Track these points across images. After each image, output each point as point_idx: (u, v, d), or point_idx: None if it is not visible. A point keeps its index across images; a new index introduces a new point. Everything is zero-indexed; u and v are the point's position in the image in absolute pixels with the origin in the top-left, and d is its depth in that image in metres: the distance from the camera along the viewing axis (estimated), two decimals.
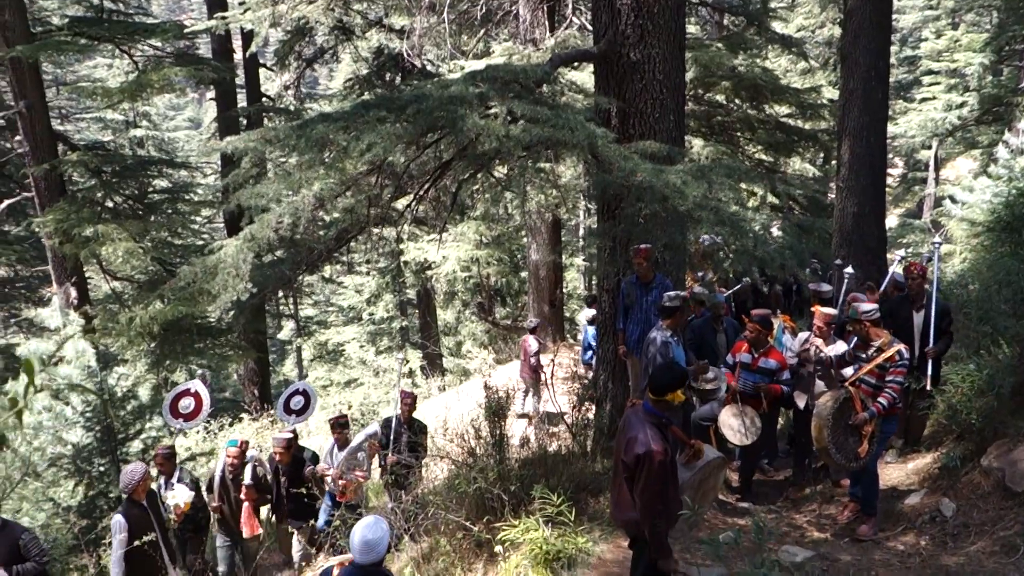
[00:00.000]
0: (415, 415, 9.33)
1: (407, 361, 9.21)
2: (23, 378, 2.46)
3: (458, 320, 26.93)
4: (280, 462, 8.62)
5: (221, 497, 8.54)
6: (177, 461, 8.45)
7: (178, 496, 7.44)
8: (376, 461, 9.10)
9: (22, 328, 21.92)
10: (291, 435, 8.90)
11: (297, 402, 9.46)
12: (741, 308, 10.50)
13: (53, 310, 14.67)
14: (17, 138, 17.01)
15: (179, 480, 8.07)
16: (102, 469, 10.20)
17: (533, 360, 12.13)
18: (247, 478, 8.36)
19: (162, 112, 38.93)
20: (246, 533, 8.46)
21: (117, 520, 7.06)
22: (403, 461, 8.55)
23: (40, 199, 15.65)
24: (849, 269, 9.19)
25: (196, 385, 9.31)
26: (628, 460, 4.96)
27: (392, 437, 8.90)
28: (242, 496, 8.40)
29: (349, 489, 8.63)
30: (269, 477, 8.72)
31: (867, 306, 6.88)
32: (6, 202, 16.53)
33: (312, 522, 8.96)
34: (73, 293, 15.73)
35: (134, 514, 7.05)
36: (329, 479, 8.74)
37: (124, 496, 7.26)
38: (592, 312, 11.63)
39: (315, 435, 15.68)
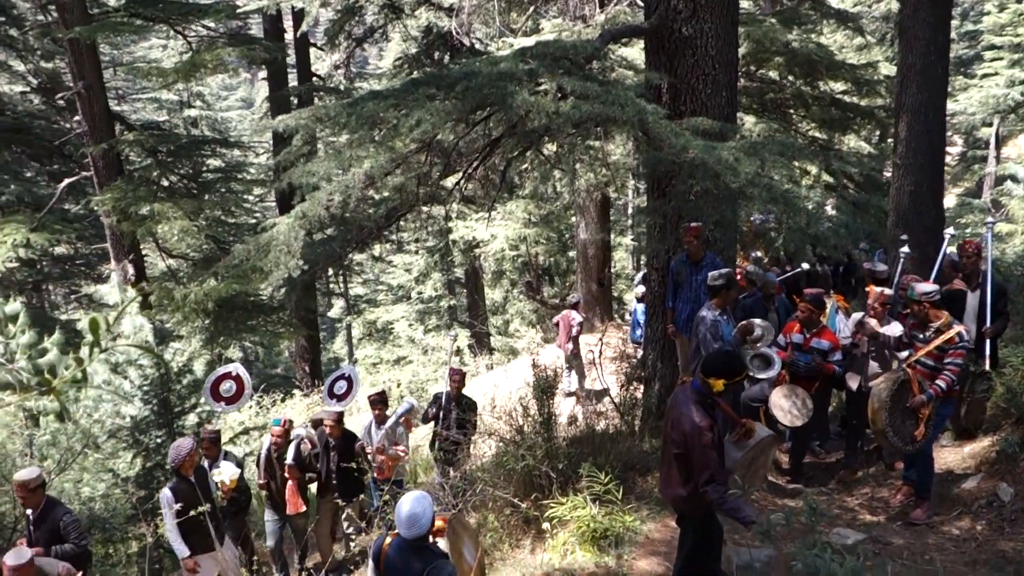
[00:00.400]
0: (464, 392, 9.38)
1: (457, 338, 9.24)
2: (88, 338, 2.51)
3: (506, 299, 26.96)
4: (330, 436, 8.65)
5: (267, 474, 8.64)
6: (222, 444, 8.54)
7: (224, 473, 7.52)
8: (415, 434, 9.15)
9: (82, 304, 22.41)
10: (341, 409, 8.96)
11: (340, 387, 9.53)
12: (793, 288, 10.35)
13: (112, 286, 14.99)
14: (76, 118, 17.33)
15: (224, 458, 8.18)
16: (159, 441, 10.40)
17: (575, 331, 12.10)
18: (289, 457, 8.41)
19: (215, 92, 39.41)
20: (289, 510, 8.54)
21: (164, 494, 7.19)
22: (451, 438, 8.60)
23: (98, 178, 15.96)
24: (905, 249, 9.00)
25: (237, 368, 9.35)
26: (676, 437, 4.97)
27: (441, 414, 8.94)
28: (286, 474, 8.47)
29: (387, 465, 8.71)
30: (314, 454, 8.75)
31: (926, 287, 6.74)
32: (66, 181, 16.85)
33: (362, 497, 9.05)
34: (131, 270, 16.04)
35: (182, 489, 7.14)
36: (372, 459, 8.82)
37: (172, 470, 7.38)
38: (642, 289, 11.55)
39: (365, 411, 15.84)
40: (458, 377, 9.28)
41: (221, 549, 7.43)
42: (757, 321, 7.75)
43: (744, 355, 7.19)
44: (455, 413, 8.98)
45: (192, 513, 6.94)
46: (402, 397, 13.35)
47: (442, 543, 5.12)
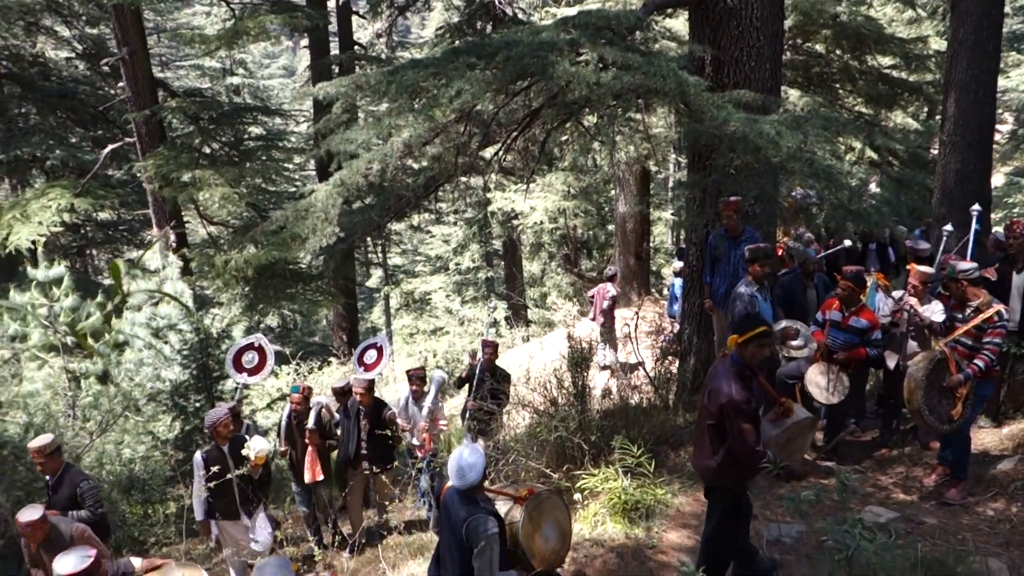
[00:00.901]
0: (497, 364, 9.39)
1: (496, 309, 9.26)
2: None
3: (543, 272, 26.95)
4: (361, 404, 8.61)
5: (288, 442, 8.64)
6: (242, 418, 8.49)
7: (253, 447, 7.43)
8: (448, 404, 9.13)
9: (139, 271, 22.80)
10: (372, 377, 8.93)
11: (370, 356, 9.51)
12: (833, 265, 10.23)
13: (153, 252, 15.23)
14: (120, 84, 17.54)
15: (248, 432, 8.08)
16: (198, 405, 10.59)
17: (607, 305, 12.07)
18: (311, 422, 8.38)
19: (257, 60, 39.62)
20: (307, 478, 8.46)
21: (196, 459, 7.34)
22: (485, 408, 8.63)
23: (141, 144, 16.17)
24: (948, 227, 8.86)
25: (260, 339, 9.34)
26: (712, 408, 4.97)
27: (475, 384, 8.95)
28: (306, 441, 8.43)
29: (428, 441, 8.69)
30: (334, 423, 8.74)
31: (965, 265, 6.63)
32: (110, 147, 17.09)
33: (395, 464, 9.08)
34: (172, 236, 16.27)
35: (214, 455, 7.24)
36: (409, 435, 8.80)
37: (207, 435, 7.49)
38: (680, 264, 11.48)
39: (401, 380, 15.98)
40: (491, 348, 9.22)
41: (247, 519, 7.50)
42: (803, 330, 7.71)
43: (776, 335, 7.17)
44: (488, 383, 8.93)
45: (213, 484, 7.09)
46: (436, 367, 13.45)
47: (518, 513, 5.12)
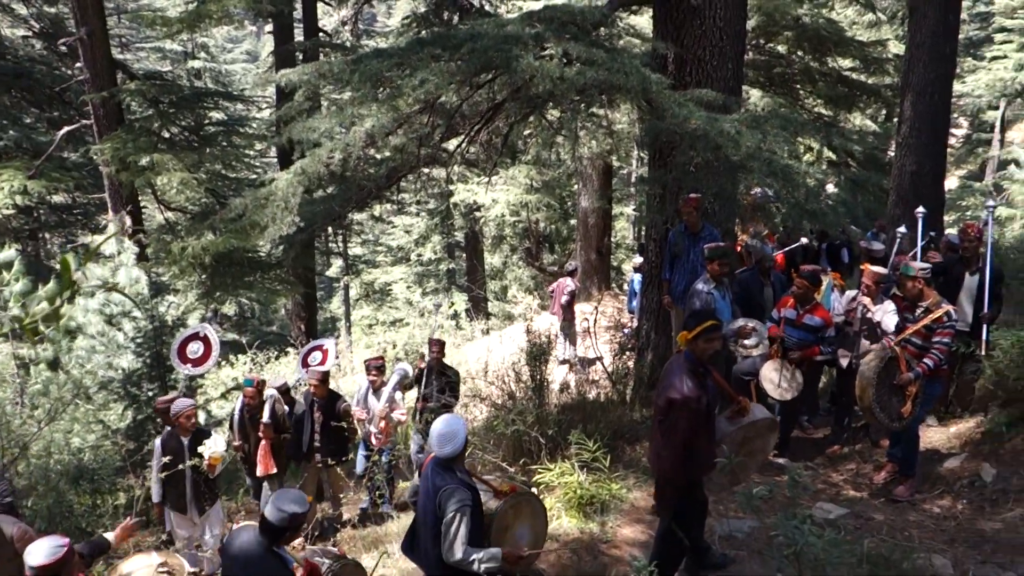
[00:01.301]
0: (451, 362, 9.31)
1: (452, 304, 9.12)
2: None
3: (505, 264, 26.98)
4: (315, 395, 8.47)
5: (241, 435, 8.52)
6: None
7: (210, 447, 7.20)
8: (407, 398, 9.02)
9: (78, 253, 22.41)
10: (327, 369, 8.82)
11: (315, 358, 9.35)
12: (790, 263, 10.36)
13: (109, 237, 14.99)
14: (78, 65, 17.22)
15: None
16: (151, 394, 10.46)
17: (566, 300, 12.12)
18: (265, 416, 8.21)
19: (220, 44, 39.06)
20: (259, 471, 8.32)
21: (155, 445, 7.32)
22: (432, 407, 8.54)
23: (98, 127, 15.89)
24: (902, 229, 9.01)
25: (206, 329, 9.19)
26: (661, 404, 5.01)
27: (424, 384, 8.80)
28: (260, 434, 8.27)
29: (386, 432, 8.56)
30: (286, 415, 8.59)
31: (918, 264, 6.75)
32: (65, 129, 16.78)
33: (351, 456, 8.92)
34: (128, 221, 16.01)
35: (171, 445, 7.18)
36: (366, 425, 8.65)
37: (170, 422, 7.38)
38: (640, 259, 11.55)
39: (360, 372, 15.93)
40: (438, 347, 9.04)
41: (196, 516, 7.41)
42: (758, 328, 7.79)
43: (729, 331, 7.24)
44: (436, 383, 8.81)
45: (164, 475, 7.02)
46: (397, 360, 13.41)
47: (493, 503, 5.05)
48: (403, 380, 8.63)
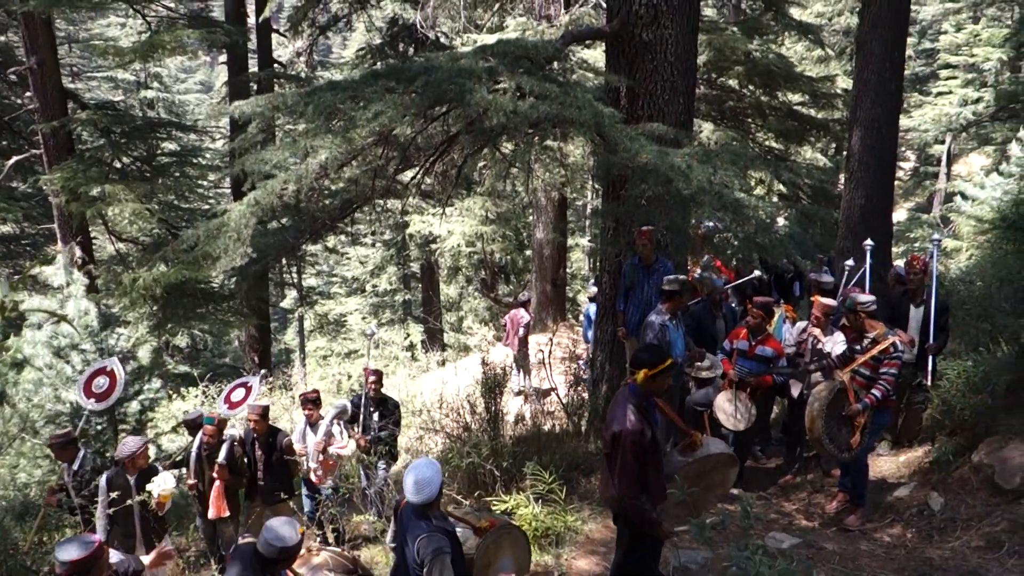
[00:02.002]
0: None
1: (375, 335, 8.98)
2: None
3: (461, 295, 26.97)
4: (255, 431, 8.17)
5: (197, 475, 8.08)
6: (78, 445, 7.73)
7: (159, 484, 7.01)
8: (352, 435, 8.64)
9: (26, 285, 22.01)
10: (266, 403, 8.51)
11: (238, 394, 8.96)
12: (742, 295, 10.48)
13: (57, 268, 14.72)
14: (27, 94, 17.00)
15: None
16: (99, 428, 10.26)
17: (522, 332, 12.11)
18: (221, 456, 7.80)
19: (173, 74, 38.79)
20: (211, 514, 7.91)
21: (101, 483, 7.11)
22: (373, 438, 8.38)
23: (48, 157, 15.66)
24: (850, 261, 9.18)
25: (112, 363, 8.79)
26: (607, 437, 5.02)
27: (362, 416, 8.58)
28: (214, 475, 7.87)
29: (326, 469, 8.32)
30: (247, 456, 8.31)
31: (864, 297, 6.87)
32: (14, 158, 16.52)
33: (293, 495, 8.51)
34: (78, 252, 15.76)
35: (118, 483, 7.02)
36: (305, 462, 8.35)
37: (117, 460, 7.21)
38: (595, 289, 11.59)
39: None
40: (374, 377, 8.80)
41: (142, 553, 7.18)
42: (710, 356, 7.88)
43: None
44: (376, 416, 8.61)
45: (112, 511, 6.89)
46: (351, 390, 13.29)
47: (472, 540, 4.98)
48: (340, 414, 8.40)
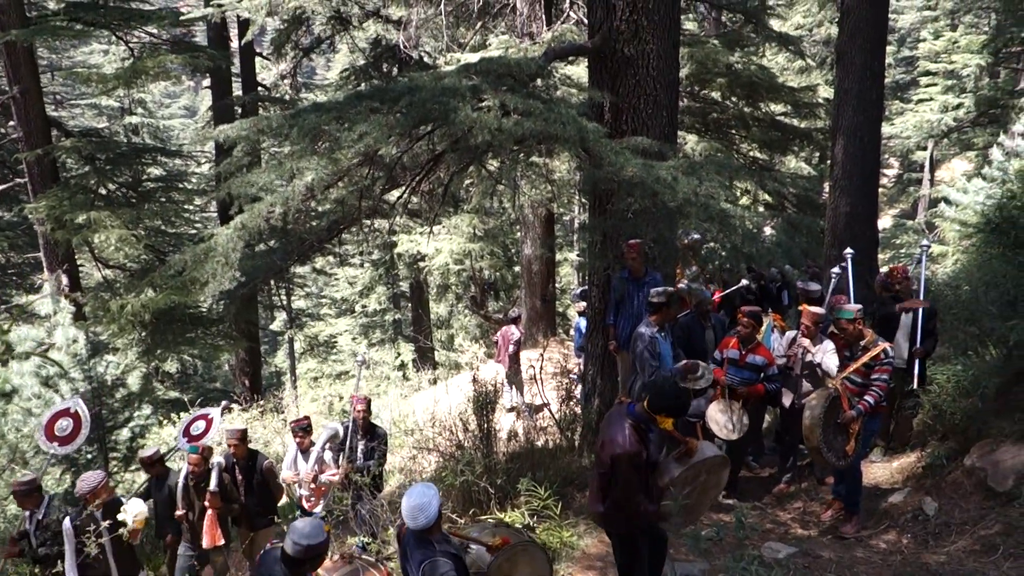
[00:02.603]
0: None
1: (364, 362, 8.86)
2: None
3: (451, 313, 26.94)
4: (235, 456, 8.09)
5: (185, 504, 7.95)
6: (43, 491, 7.41)
7: (131, 511, 6.87)
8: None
9: (12, 315, 21.89)
10: (244, 426, 8.47)
11: (198, 427, 8.81)
12: (729, 306, 10.50)
13: (44, 297, 14.65)
14: (11, 123, 16.95)
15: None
16: (90, 457, 10.19)
17: (513, 348, 12.10)
18: (212, 484, 7.71)
19: (158, 100, 38.77)
20: (206, 543, 7.79)
21: (66, 526, 6.90)
22: (358, 468, 8.27)
23: (33, 185, 15.61)
24: (836, 269, 9.22)
25: (76, 404, 8.53)
26: (604, 458, 5.02)
27: (348, 446, 8.46)
28: (206, 504, 7.75)
29: (318, 496, 8.29)
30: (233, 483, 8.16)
31: (855, 307, 6.90)
32: None
33: (279, 519, 8.57)
34: (64, 280, 15.70)
35: (86, 522, 6.84)
36: (297, 488, 8.33)
37: (79, 499, 7.02)
38: (584, 304, 11.57)
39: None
40: (363, 404, 8.69)
41: None
42: (703, 366, 7.88)
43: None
44: (362, 444, 8.50)
45: (83, 554, 6.71)
46: (342, 411, 13.22)
47: (487, 557, 4.91)
48: (332, 438, 8.34)
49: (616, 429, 5.00)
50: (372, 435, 8.58)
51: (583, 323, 11.46)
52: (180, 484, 8.02)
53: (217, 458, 8.04)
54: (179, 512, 7.93)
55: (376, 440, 8.55)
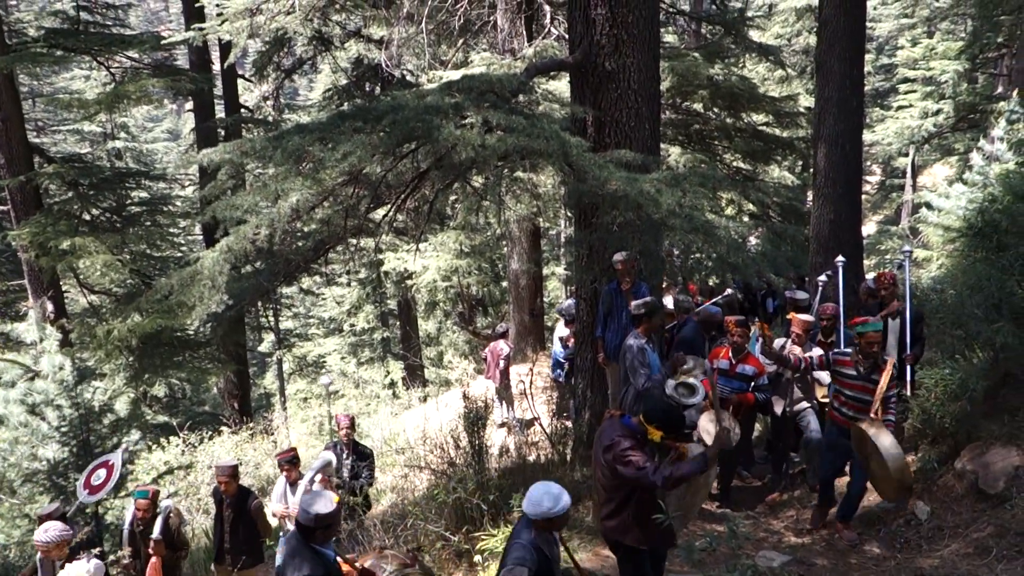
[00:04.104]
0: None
1: (332, 383, 8.72)
2: None
3: (439, 330, 26.89)
4: (225, 492, 7.82)
5: (132, 552, 7.61)
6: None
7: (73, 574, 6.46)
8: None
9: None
10: (236, 462, 8.15)
11: (98, 476, 8.38)
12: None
13: (29, 324, 14.55)
14: None
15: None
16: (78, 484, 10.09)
17: (503, 364, 12.08)
18: (156, 531, 7.28)
19: (140, 124, 38.71)
20: None
21: None
22: (347, 487, 8.23)
23: (16, 212, 15.56)
24: (823, 277, 9.27)
25: (115, 458, 8.48)
26: (606, 470, 5.04)
27: (335, 465, 8.35)
28: (150, 551, 7.29)
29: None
30: (182, 527, 7.81)
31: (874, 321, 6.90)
32: None
33: (263, 559, 8.29)
34: (50, 307, 15.62)
35: None
36: (287, 523, 8.01)
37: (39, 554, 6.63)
38: (566, 332, 11.55)
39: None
40: (348, 422, 8.65)
41: None
42: (693, 358, 7.90)
43: (669, 385, 7.27)
44: (349, 462, 8.43)
45: None
46: (332, 430, 13.16)
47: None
48: (325, 468, 8.08)
49: (609, 439, 5.05)
50: (358, 453, 8.52)
51: (559, 349, 11.39)
52: (126, 530, 7.72)
53: (166, 502, 7.68)
54: (124, 561, 7.59)
55: (365, 459, 8.51)
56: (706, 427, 7.58)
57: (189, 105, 23.71)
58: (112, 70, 17.54)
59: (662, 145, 10.58)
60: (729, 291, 10.38)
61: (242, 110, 21.87)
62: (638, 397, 7.26)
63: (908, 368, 7.74)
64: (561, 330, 11.51)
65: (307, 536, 4.62)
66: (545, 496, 4.53)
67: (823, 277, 9.22)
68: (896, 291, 8.42)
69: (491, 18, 15.16)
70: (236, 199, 6.98)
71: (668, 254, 10.08)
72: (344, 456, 8.50)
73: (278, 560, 7.95)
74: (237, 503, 7.87)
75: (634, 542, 5.23)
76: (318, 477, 7.97)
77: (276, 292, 14.57)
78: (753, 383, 7.74)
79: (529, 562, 4.42)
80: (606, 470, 5.10)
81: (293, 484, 8.17)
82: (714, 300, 10.37)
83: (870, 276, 9.16)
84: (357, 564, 5.31)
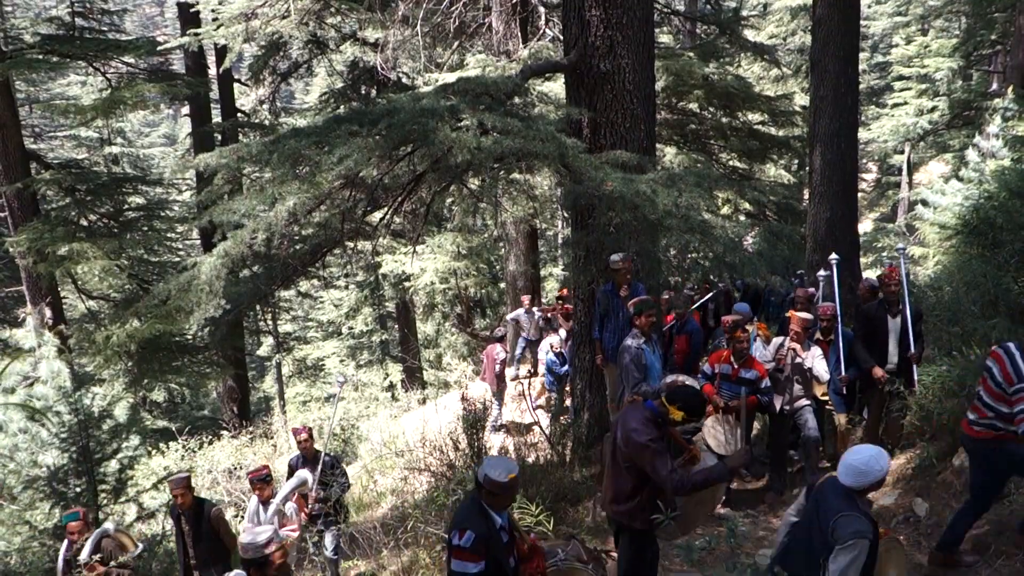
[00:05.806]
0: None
1: (345, 383, 8.74)
2: None
3: (438, 332, 26.88)
4: (180, 507, 7.51)
5: None
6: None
7: None
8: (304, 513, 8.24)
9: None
10: (188, 473, 7.86)
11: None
12: (704, 313, 10.54)
13: (28, 330, 14.57)
14: None
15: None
16: (78, 490, 10.08)
17: (498, 368, 12.10)
18: (84, 553, 7.08)
19: (137, 129, 38.71)
20: None
21: None
22: (317, 499, 8.12)
23: (13, 218, 15.56)
24: (822, 272, 9.28)
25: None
26: (627, 452, 5.04)
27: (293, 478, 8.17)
28: (85, 572, 7.03)
29: (278, 554, 7.95)
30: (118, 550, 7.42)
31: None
32: None
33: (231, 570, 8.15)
34: (48, 313, 15.61)
35: None
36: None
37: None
38: (554, 339, 11.57)
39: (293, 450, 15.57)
40: (305, 434, 8.47)
41: None
42: (689, 382, 7.90)
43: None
44: (317, 473, 8.24)
45: None
46: (333, 435, 13.16)
47: None
48: (300, 486, 8.01)
49: (633, 423, 5.05)
50: (324, 463, 8.33)
51: (550, 356, 11.41)
52: (61, 560, 7.50)
53: (107, 524, 7.53)
54: None
55: (331, 468, 8.34)
56: (712, 432, 7.60)
57: (185, 110, 23.75)
58: (108, 76, 17.53)
59: (658, 145, 10.60)
60: (721, 285, 10.40)
61: (238, 114, 21.86)
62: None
63: (913, 367, 7.77)
64: (552, 337, 11.55)
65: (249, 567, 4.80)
66: (862, 472, 4.25)
67: (823, 273, 9.23)
68: (899, 289, 8.43)
69: (486, 20, 15.19)
70: (233, 203, 6.99)
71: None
72: (308, 468, 8.29)
73: None
74: (194, 515, 7.56)
75: (643, 526, 5.24)
76: (293, 496, 7.88)
77: (274, 296, 14.58)
78: (755, 387, 7.72)
79: (869, 532, 4.19)
80: (628, 457, 5.10)
81: (265, 503, 7.95)
82: (703, 300, 10.39)
83: (874, 273, 9.17)
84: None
